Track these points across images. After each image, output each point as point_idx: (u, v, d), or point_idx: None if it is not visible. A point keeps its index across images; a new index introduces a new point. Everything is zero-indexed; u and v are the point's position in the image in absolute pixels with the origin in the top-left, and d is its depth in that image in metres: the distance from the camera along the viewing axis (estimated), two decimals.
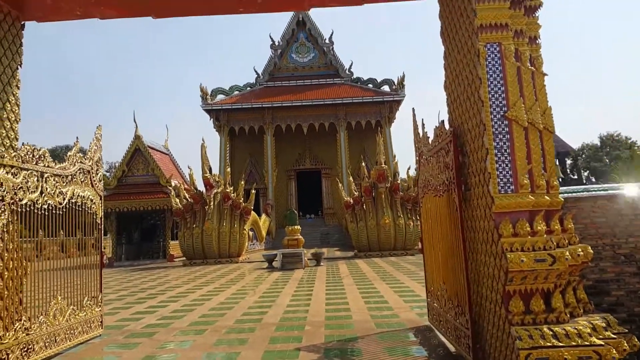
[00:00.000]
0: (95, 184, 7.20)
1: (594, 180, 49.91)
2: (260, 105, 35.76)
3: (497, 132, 4.46)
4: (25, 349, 5.42)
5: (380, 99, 35.28)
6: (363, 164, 22.76)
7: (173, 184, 24.54)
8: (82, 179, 6.86)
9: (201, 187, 22.34)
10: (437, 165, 5.88)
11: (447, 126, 5.75)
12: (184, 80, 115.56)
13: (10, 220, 5.32)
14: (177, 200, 22.01)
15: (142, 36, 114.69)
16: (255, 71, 38.72)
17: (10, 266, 5.30)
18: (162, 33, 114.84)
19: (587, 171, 49.95)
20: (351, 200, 22.15)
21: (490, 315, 4.43)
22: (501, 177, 4.38)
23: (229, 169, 22.98)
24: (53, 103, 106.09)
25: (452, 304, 5.35)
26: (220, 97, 37.08)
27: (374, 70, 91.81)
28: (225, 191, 21.39)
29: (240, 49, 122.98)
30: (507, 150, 4.41)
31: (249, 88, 38.36)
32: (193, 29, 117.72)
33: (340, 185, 23.63)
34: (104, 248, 35.49)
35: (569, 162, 56.09)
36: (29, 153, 5.71)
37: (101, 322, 7.30)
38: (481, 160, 4.61)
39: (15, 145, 5.65)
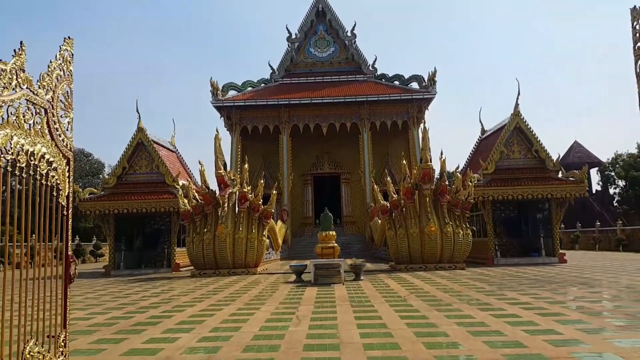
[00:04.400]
0: (59, 135, 4.04)
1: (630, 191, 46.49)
2: (276, 103, 32.75)
3: None
4: None
5: (408, 96, 32.15)
6: (404, 161, 19.54)
7: (181, 183, 21.40)
8: (32, 121, 3.71)
9: (213, 186, 19.21)
10: None
11: None
12: (191, 75, 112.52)
13: None
14: (186, 201, 18.86)
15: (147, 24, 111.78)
16: (270, 66, 35.80)
17: None
18: (168, 19, 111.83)
19: (624, 181, 46.39)
20: (388, 205, 18.95)
21: None
22: None
23: (246, 166, 19.76)
24: None
25: None
26: (232, 93, 34.12)
27: (401, 66, 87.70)
28: (242, 191, 18.21)
29: (254, 43, 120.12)
30: None
31: (263, 84, 35.39)
32: (203, 17, 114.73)
33: (376, 187, 20.40)
34: (101, 254, 32.50)
35: (595, 175, 52.63)
36: None
37: None
38: None
39: None
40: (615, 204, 50.75)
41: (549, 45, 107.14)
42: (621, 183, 47.54)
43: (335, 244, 14.99)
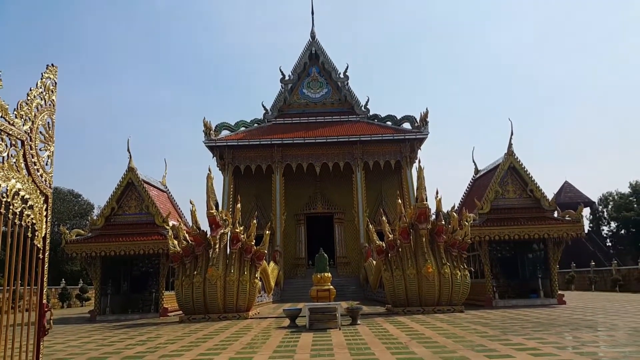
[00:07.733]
0: (37, 169, 3.68)
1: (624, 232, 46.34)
2: (269, 142, 32.71)
3: None
4: None
5: (401, 136, 32.29)
6: (399, 200, 19.27)
7: (171, 224, 20.89)
8: (5, 154, 3.37)
9: (205, 226, 18.71)
10: None
11: None
12: (184, 115, 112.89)
13: None
14: (175, 242, 18.30)
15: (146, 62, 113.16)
16: (264, 107, 35.97)
17: None
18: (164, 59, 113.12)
19: (616, 222, 46.22)
20: (384, 245, 18.51)
21: None
22: None
23: (239, 205, 19.35)
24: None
25: None
26: (225, 132, 34.09)
27: (393, 107, 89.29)
28: (234, 231, 17.75)
29: (248, 83, 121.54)
30: None
31: (256, 124, 35.46)
32: (198, 57, 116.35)
33: (371, 226, 19.99)
34: (86, 298, 31.43)
35: (586, 213, 52.68)
36: None
37: None
38: None
39: None
40: (607, 244, 50.60)
41: (537, 83, 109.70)
42: (613, 223, 47.39)
43: (331, 286, 14.49)
